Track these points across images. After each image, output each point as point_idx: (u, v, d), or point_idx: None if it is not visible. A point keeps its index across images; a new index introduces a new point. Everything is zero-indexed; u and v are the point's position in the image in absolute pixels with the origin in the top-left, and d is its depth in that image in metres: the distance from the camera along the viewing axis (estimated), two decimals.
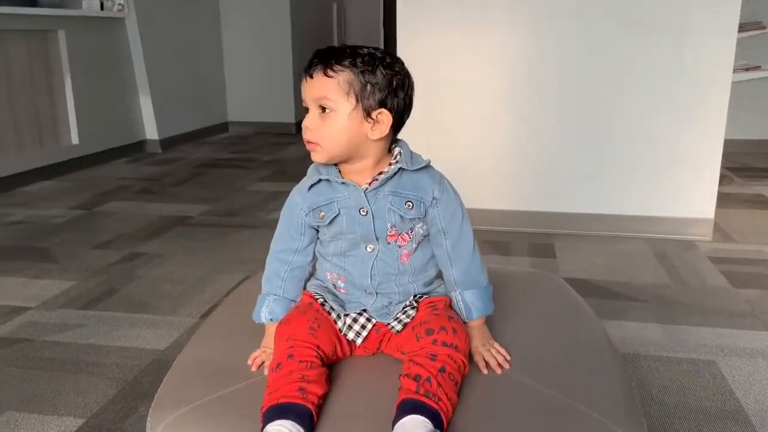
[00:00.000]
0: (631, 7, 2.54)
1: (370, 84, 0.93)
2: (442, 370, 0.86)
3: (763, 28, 4.11)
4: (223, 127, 5.56)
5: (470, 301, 1.00)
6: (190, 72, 5.06)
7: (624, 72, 2.61)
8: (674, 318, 1.97)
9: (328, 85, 0.93)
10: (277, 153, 4.72)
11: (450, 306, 1.00)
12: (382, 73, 0.94)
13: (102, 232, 2.87)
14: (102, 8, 4.17)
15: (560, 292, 1.28)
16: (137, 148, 4.61)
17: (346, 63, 0.93)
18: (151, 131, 4.67)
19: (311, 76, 0.94)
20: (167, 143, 4.76)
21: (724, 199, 2.66)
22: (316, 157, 0.97)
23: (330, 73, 0.93)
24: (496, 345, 0.98)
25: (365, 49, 0.95)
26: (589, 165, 2.72)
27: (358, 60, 0.93)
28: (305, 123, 0.96)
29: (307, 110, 0.97)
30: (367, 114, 0.94)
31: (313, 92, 0.94)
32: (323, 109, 0.94)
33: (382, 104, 0.94)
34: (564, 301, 1.24)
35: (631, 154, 2.67)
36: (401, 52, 2.64)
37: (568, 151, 2.73)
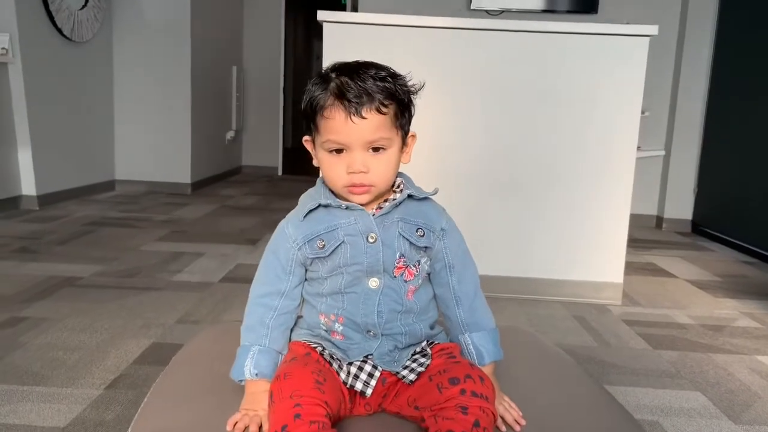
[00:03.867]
0: (548, 91, 2.68)
1: (408, 111, 0.87)
2: (476, 424, 0.75)
3: (643, 112, 4.54)
4: (110, 185, 5.17)
5: (480, 345, 0.91)
6: (77, 126, 4.69)
7: (544, 147, 2.72)
8: (609, 379, 1.97)
9: (383, 124, 0.83)
10: (172, 213, 4.43)
11: (461, 353, 0.90)
12: (407, 94, 0.87)
13: None
14: None
15: (537, 345, 1.22)
16: (10, 204, 4.14)
17: (389, 93, 0.84)
18: (28, 186, 4.22)
19: (362, 117, 0.81)
20: (46, 200, 4.33)
21: None
22: (365, 198, 0.86)
23: (384, 110, 0.83)
24: (507, 398, 0.89)
25: (383, 72, 0.85)
26: (508, 230, 2.77)
27: (395, 87, 0.85)
28: (358, 167, 0.83)
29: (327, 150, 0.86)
30: (403, 141, 0.88)
31: (366, 135, 0.82)
32: (375, 148, 0.84)
33: (409, 126, 0.89)
34: (546, 355, 1.17)
35: (548, 222, 2.75)
36: None
37: (488, 216, 2.77)
